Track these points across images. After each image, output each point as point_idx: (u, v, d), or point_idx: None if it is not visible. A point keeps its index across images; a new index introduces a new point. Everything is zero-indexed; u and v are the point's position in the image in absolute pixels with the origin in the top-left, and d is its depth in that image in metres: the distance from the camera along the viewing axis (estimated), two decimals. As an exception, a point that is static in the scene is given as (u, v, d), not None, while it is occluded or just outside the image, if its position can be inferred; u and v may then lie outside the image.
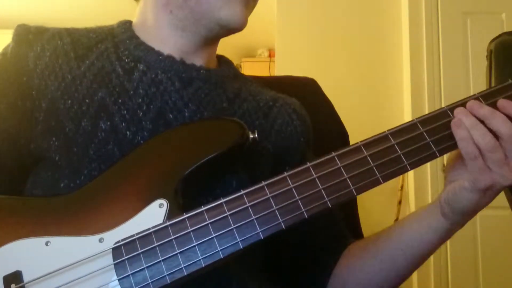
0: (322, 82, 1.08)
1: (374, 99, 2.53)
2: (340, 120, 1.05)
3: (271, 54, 4.21)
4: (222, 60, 0.79)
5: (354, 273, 0.71)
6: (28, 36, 0.68)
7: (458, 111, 0.58)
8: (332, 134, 1.02)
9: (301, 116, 0.78)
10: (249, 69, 4.12)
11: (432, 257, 2.36)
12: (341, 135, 1.03)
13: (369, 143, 0.58)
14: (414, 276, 2.41)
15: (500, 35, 0.91)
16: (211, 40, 0.73)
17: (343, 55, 2.60)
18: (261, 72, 3.59)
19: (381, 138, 0.58)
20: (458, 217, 0.62)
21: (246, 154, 0.65)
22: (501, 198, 1.03)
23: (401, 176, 2.50)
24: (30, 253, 0.54)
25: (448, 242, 2.34)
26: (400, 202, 2.49)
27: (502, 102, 0.58)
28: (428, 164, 2.75)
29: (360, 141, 0.58)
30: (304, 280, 0.75)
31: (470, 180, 0.57)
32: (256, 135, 0.62)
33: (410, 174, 2.48)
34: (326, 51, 2.61)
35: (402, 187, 2.50)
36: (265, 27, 2.98)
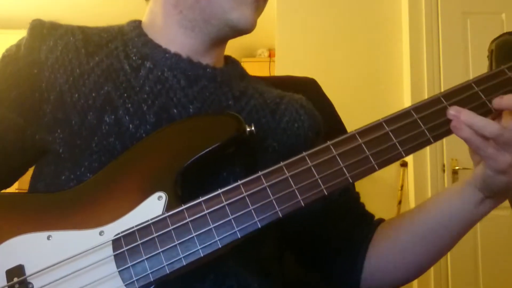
0: (322, 82, 1.08)
1: (375, 98, 2.53)
2: (340, 119, 1.04)
3: (271, 54, 4.20)
4: (229, 60, 0.81)
5: (388, 250, 0.71)
6: (43, 30, 0.70)
7: (452, 112, 0.58)
8: (333, 134, 1.02)
9: (308, 110, 0.78)
10: (249, 69, 4.05)
11: (432, 257, 2.37)
12: (342, 135, 1.02)
13: (363, 132, 0.59)
14: (414, 276, 2.41)
15: (501, 35, 0.90)
16: (219, 41, 0.74)
17: (343, 55, 2.60)
18: (261, 72, 3.56)
19: (375, 126, 0.59)
20: (502, 197, 0.64)
21: (245, 149, 0.65)
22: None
23: (401, 176, 2.50)
24: (32, 248, 0.55)
25: (448, 242, 2.36)
26: (400, 202, 2.49)
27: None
28: (428, 164, 2.73)
29: (355, 130, 0.59)
30: (337, 267, 0.74)
31: (491, 167, 0.58)
32: (253, 128, 0.62)
33: (410, 174, 2.48)
34: (326, 51, 2.61)
35: (402, 187, 2.50)
36: (265, 27, 2.97)
